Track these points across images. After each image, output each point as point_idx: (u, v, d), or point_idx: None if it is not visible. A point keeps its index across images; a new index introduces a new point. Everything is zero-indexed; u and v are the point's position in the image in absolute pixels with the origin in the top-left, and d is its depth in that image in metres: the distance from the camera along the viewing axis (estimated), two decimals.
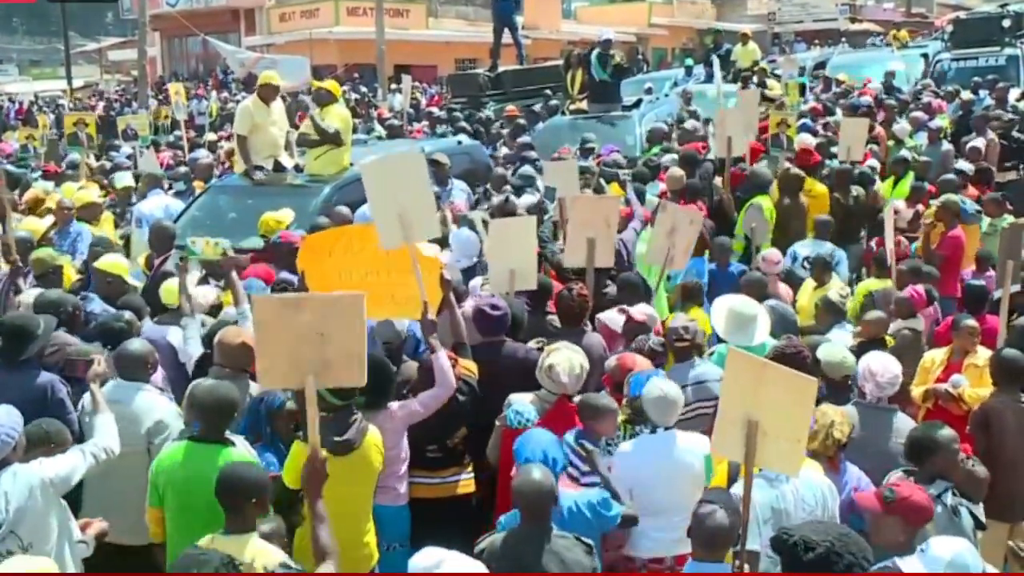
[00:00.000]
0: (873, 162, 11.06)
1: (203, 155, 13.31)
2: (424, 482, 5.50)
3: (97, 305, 6.74)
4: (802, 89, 17.27)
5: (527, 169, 10.63)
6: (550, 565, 4.00)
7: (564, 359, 5.34)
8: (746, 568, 4.07)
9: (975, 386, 6.10)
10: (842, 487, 4.83)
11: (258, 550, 4.01)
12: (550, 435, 4.65)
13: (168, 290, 6.62)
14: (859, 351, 5.96)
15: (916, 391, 6.28)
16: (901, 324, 6.96)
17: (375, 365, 5.18)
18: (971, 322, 6.42)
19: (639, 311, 6.31)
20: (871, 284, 7.95)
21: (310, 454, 3.90)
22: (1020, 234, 6.98)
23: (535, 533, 4.10)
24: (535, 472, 4.17)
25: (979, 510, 4.66)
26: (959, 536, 4.08)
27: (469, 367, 5.65)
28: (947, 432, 4.67)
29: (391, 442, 5.17)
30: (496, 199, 9.20)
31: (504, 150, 13.18)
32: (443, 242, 7.55)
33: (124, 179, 11.22)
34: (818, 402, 5.60)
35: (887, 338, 6.69)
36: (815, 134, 12.24)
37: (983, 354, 6.26)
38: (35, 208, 10.04)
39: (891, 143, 12.78)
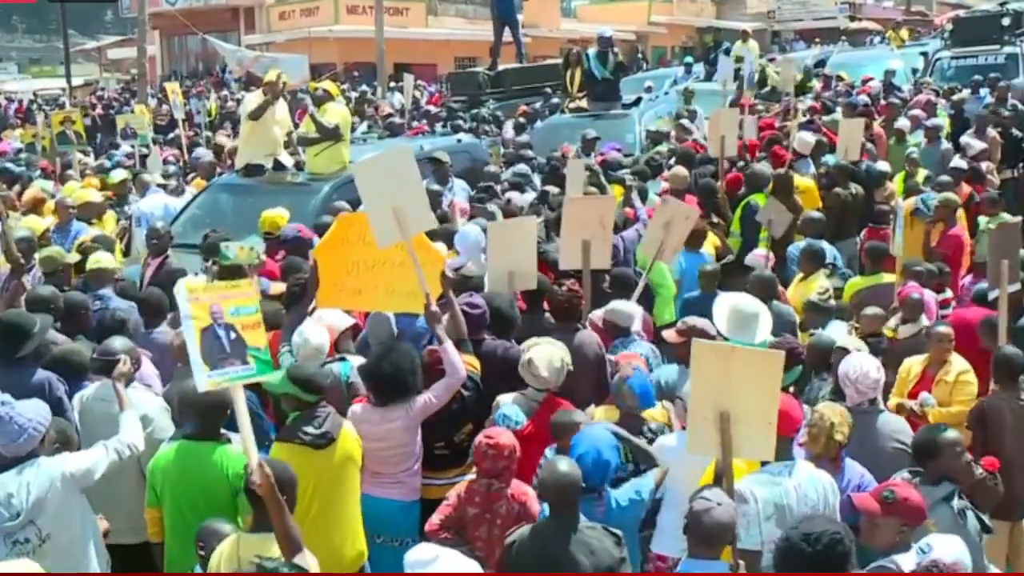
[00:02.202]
0: (885, 165, 10.90)
1: (205, 153, 13.32)
2: (431, 483, 5.49)
3: (121, 303, 6.76)
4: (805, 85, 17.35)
5: (522, 167, 10.62)
6: (580, 555, 4.03)
7: (542, 353, 5.34)
8: (742, 567, 4.07)
9: (944, 403, 6.04)
10: (844, 485, 4.82)
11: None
12: (607, 435, 4.63)
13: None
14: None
15: (891, 402, 6.15)
16: (913, 327, 6.91)
17: (401, 356, 5.23)
18: (943, 329, 6.28)
19: (606, 308, 6.38)
20: (859, 282, 7.95)
21: (252, 465, 3.85)
22: (1015, 233, 6.96)
23: (563, 524, 4.13)
24: (561, 464, 4.21)
25: (985, 516, 4.65)
26: (965, 540, 4.09)
27: (472, 362, 5.64)
28: (949, 435, 4.65)
29: (406, 437, 5.21)
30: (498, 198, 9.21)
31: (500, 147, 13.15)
32: (442, 239, 7.54)
33: (119, 174, 11.26)
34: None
35: (886, 331, 6.68)
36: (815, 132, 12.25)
37: (957, 367, 6.16)
38: (36, 207, 10.05)
39: (891, 141, 12.79)
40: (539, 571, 4.07)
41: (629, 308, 6.41)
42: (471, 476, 5.47)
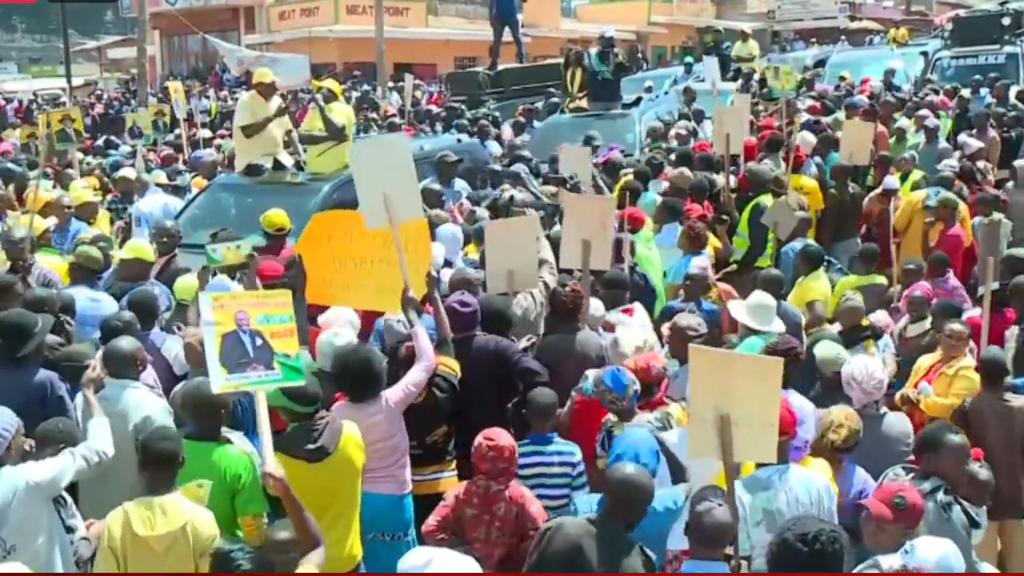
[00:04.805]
0: (894, 180, 10.52)
1: (207, 153, 13.33)
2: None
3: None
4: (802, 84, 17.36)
5: (519, 167, 10.61)
6: (604, 562, 3.95)
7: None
8: (743, 567, 4.07)
9: (940, 393, 6.05)
10: (847, 489, 4.85)
11: (189, 511, 4.16)
12: (648, 439, 4.60)
13: (182, 287, 6.62)
14: (843, 343, 6.17)
15: (898, 395, 6.22)
16: (920, 326, 6.91)
17: (362, 357, 5.22)
18: (956, 327, 6.24)
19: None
20: (850, 281, 7.95)
21: (265, 470, 4.04)
22: (997, 232, 7.05)
23: (608, 528, 4.01)
24: (629, 468, 4.10)
25: (976, 511, 4.65)
26: (950, 534, 4.10)
27: (451, 365, 5.64)
28: (957, 439, 4.65)
29: (389, 431, 5.20)
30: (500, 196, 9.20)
31: (494, 145, 13.07)
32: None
33: (125, 171, 11.30)
34: (816, 400, 5.70)
35: (865, 322, 6.78)
36: (815, 132, 12.23)
37: (961, 362, 6.14)
38: (45, 208, 10.02)
39: (892, 140, 12.80)
40: (561, 561, 4.02)
41: (600, 312, 6.48)
42: (449, 473, 5.56)
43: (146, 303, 6.39)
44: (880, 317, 7.09)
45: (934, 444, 4.61)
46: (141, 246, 7.47)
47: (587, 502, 4.46)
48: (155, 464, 4.23)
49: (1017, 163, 10.88)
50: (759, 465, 4.49)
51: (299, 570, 3.89)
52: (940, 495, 4.46)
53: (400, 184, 5.76)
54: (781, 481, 4.42)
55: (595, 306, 6.54)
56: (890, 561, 3.81)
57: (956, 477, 4.59)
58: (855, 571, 3.88)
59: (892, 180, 10.43)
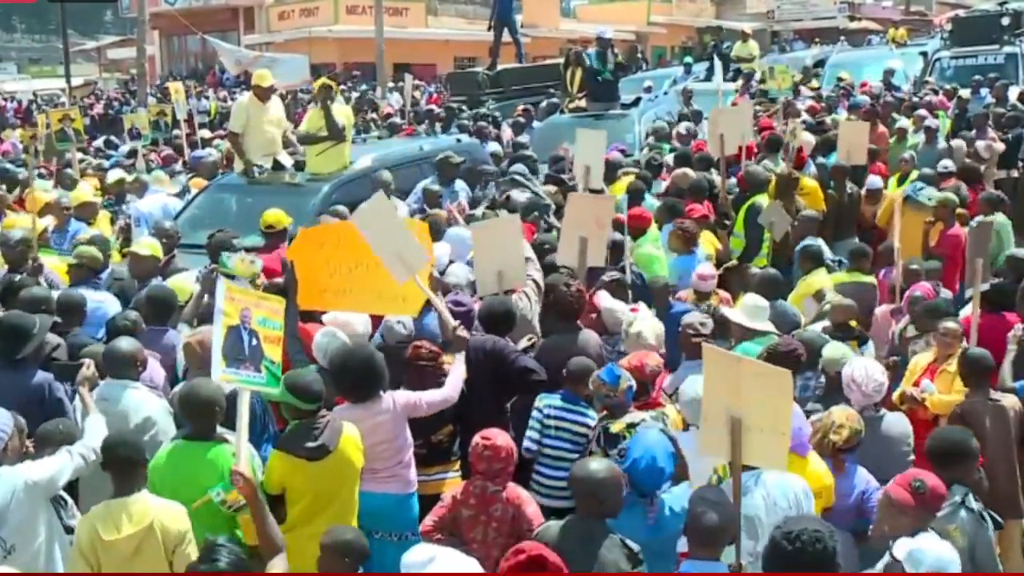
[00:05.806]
0: (878, 181, 10.59)
1: (207, 153, 13.33)
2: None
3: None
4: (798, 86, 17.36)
5: (520, 167, 10.61)
6: (582, 560, 3.94)
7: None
8: (744, 568, 4.06)
9: (944, 392, 6.02)
10: (850, 490, 4.83)
11: (156, 508, 4.18)
12: (664, 441, 4.59)
13: (179, 287, 6.62)
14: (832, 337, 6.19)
15: (896, 392, 6.19)
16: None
17: (363, 358, 5.22)
18: (950, 324, 6.25)
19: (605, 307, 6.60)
20: (840, 277, 7.97)
21: (236, 469, 4.08)
22: (988, 233, 7.05)
23: (581, 526, 4.02)
24: (602, 472, 4.12)
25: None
26: (986, 539, 4.15)
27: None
28: (976, 443, 4.64)
29: (394, 431, 5.21)
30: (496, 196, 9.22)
31: (493, 146, 13.08)
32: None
33: (115, 174, 11.27)
34: (817, 399, 5.70)
35: (853, 323, 6.75)
36: (815, 132, 12.24)
37: None
38: (43, 210, 10.01)
39: (892, 140, 12.80)
40: None
41: (623, 315, 6.45)
42: (454, 473, 5.60)
43: (166, 299, 6.38)
44: (880, 313, 7.08)
45: (965, 452, 4.54)
46: (155, 243, 7.48)
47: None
48: (114, 468, 4.25)
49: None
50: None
51: None
52: (972, 502, 4.41)
53: (403, 237, 5.80)
54: (757, 486, 4.38)
55: (621, 309, 6.53)
56: (901, 547, 3.79)
57: (975, 482, 4.59)
58: (872, 571, 3.87)
59: (874, 180, 10.45)
